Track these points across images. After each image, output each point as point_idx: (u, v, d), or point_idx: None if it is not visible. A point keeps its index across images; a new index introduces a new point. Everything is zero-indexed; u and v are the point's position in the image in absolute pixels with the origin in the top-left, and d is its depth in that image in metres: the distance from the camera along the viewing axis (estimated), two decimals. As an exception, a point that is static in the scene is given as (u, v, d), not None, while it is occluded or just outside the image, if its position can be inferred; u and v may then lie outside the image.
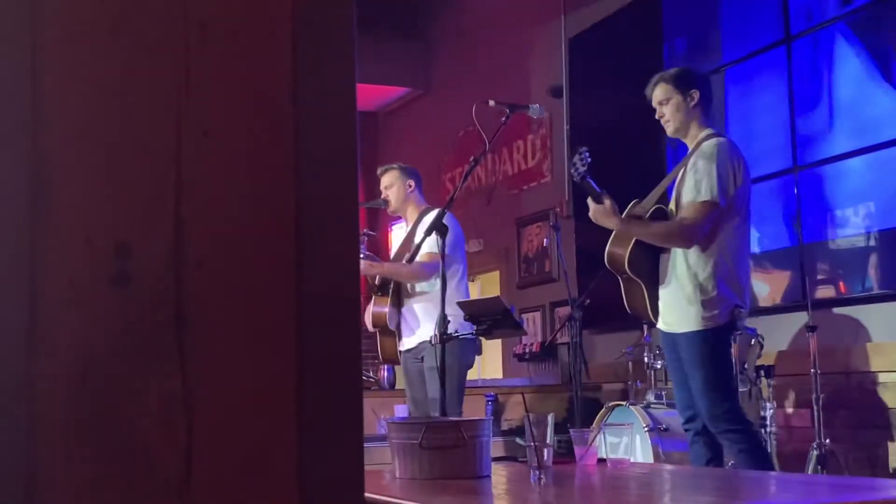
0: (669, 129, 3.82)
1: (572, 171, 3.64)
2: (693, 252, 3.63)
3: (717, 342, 3.60)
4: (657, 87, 3.81)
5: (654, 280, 3.74)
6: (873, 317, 4.70)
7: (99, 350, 0.76)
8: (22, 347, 0.75)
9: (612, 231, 3.74)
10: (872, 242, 4.75)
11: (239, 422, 0.80)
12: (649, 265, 3.72)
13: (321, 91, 0.85)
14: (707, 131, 3.77)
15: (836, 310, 4.88)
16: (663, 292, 3.71)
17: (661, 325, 3.77)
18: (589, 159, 3.61)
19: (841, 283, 4.93)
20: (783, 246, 5.22)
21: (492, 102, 3.96)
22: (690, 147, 3.80)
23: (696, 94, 3.77)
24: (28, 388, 0.74)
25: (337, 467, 0.82)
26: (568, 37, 7.09)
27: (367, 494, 0.93)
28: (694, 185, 3.61)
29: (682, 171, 3.74)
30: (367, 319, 4.86)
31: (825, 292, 4.97)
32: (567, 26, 7.11)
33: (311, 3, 0.85)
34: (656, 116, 3.83)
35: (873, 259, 4.76)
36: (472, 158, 4.12)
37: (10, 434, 0.74)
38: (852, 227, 4.83)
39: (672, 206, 3.76)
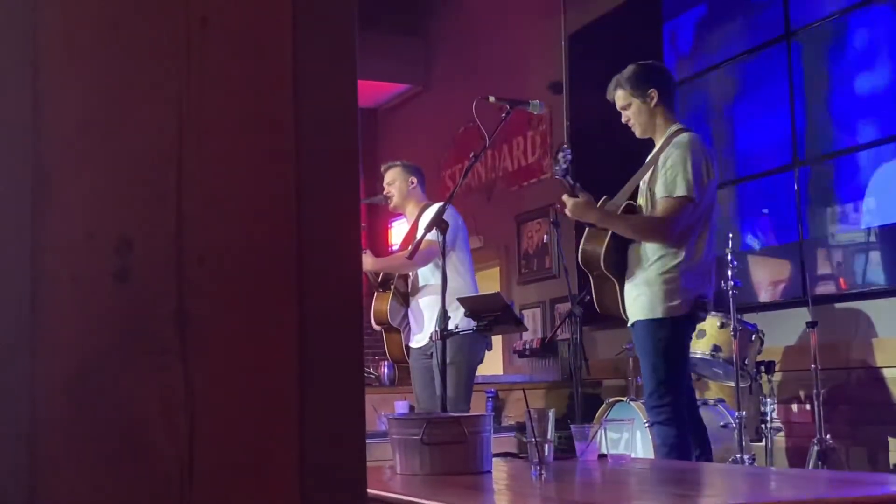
0: (637, 133, 3.76)
1: (555, 167, 3.62)
2: (659, 244, 3.57)
3: (674, 332, 3.54)
4: (616, 93, 3.74)
5: (623, 276, 3.70)
6: (876, 313, 4.69)
7: (100, 345, 0.76)
8: (24, 342, 0.74)
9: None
10: (873, 238, 4.75)
11: (240, 417, 0.80)
12: (621, 262, 3.67)
13: (323, 86, 0.85)
14: (675, 126, 3.71)
15: (838, 305, 4.88)
16: (629, 285, 3.64)
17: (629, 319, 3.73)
18: (570, 157, 3.59)
19: (841, 280, 4.93)
20: (784, 242, 5.22)
21: (492, 98, 3.95)
22: (659, 143, 3.73)
23: (654, 94, 3.69)
24: (30, 383, 0.74)
25: (339, 463, 0.82)
26: (567, 33, 7.09)
27: (367, 490, 0.93)
28: (669, 180, 3.55)
29: (651, 167, 3.68)
30: (370, 317, 4.84)
31: (826, 288, 4.97)
32: (567, 22, 7.10)
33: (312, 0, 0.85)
34: (623, 121, 3.77)
35: (874, 255, 4.76)
36: (472, 155, 4.11)
37: (11, 429, 0.74)
38: (853, 222, 4.84)
39: (642, 201, 3.69)
